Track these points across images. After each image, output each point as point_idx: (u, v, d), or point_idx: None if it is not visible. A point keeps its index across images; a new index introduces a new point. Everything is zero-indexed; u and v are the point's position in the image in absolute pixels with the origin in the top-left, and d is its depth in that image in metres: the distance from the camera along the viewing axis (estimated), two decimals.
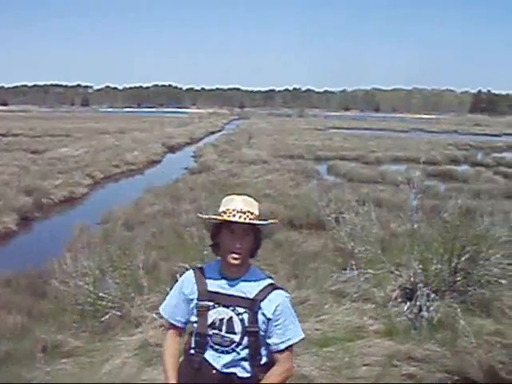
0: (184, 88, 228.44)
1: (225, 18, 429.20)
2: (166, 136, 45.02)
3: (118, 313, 7.42)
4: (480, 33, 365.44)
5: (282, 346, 3.09)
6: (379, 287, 8.37)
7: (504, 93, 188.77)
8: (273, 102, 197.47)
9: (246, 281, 3.10)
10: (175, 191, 17.88)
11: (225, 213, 3.05)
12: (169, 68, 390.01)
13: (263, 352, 3.12)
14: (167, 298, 3.31)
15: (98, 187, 22.41)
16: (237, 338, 3.06)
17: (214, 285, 3.11)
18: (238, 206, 3.05)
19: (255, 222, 3.05)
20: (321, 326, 7.23)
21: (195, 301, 3.12)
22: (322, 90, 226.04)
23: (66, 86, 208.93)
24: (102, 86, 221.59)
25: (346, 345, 6.76)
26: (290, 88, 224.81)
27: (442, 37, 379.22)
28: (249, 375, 3.09)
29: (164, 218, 13.87)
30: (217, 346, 3.08)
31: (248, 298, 3.06)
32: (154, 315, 7.05)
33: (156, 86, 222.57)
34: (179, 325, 3.24)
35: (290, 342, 3.10)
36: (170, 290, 3.33)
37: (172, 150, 38.81)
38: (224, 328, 3.06)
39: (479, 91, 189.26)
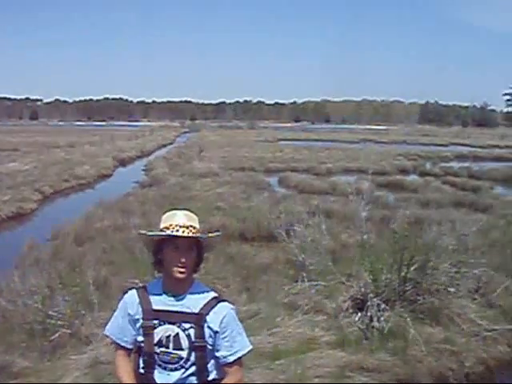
0: (135, 101, 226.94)
1: (174, 30, 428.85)
2: (116, 149, 44.56)
3: (68, 331, 7.30)
4: (426, 45, 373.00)
5: (231, 359, 3.09)
6: (330, 298, 8.43)
7: (451, 103, 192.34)
8: (224, 115, 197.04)
9: (190, 296, 3.10)
10: (126, 205, 17.68)
11: (167, 228, 3.03)
12: (119, 81, 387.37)
13: (211, 368, 3.11)
14: (112, 318, 3.27)
15: (47, 202, 22.05)
16: (184, 353, 3.04)
17: (158, 302, 3.09)
18: (181, 221, 3.05)
19: (200, 235, 3.06)
20: (273, 338, 7.23)
21: (141, 320, 3.10)
22: (272, 101, 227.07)
23: (14, 100, 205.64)
24: (52, 99, 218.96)
25: (298, 357, 6.77)
26: (241, 100, 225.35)
27: (388, 48, 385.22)
28: None
29: (115, 232, 13.71)
30: (165, 364, 3.06)
31: (193, 313, 3.05)
32: (105, 331, 6.95)
33: (107, 99, 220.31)
34: (127, 346, 3.20)
35: (239, 354, 3.11)
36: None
37: (123, 163, 38.43)
38: (171, 345, 3.05)
39: (427, 102, 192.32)
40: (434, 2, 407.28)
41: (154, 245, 3.12)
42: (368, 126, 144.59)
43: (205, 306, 3.07)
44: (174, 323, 3.05)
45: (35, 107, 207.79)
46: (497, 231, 13.62)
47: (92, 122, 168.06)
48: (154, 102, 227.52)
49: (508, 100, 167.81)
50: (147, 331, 3.08)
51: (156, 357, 3.07)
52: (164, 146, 59.01)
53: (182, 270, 3.02)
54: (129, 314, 3.15)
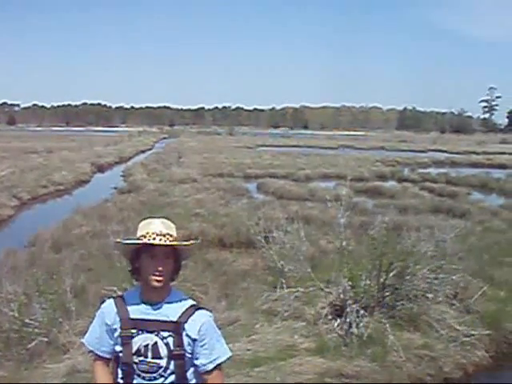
0: (113, 106, 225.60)
1: (153, 36, 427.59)
2: (94, 155, 44.33)
3: (45, 339, 7.23)
4: (404, 51, 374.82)
5: (211, 366, 3.07)
6: (309, 305, 8.44)
7: (428, 110, 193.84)
8: (203, 120, 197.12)
9: (168, 304, 3.08)
10: (104, 212, 17.59)
11: (144, 236, 3.02)
12: (98, 86, 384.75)
13: (190, 376, 3.10)
14: (90, 328, 3.24)
15: (24, 208, 21.90)
16: (163, 362, 3.02)
17: (136, 312, 3.07)
18: (158, 229, 3.03)
19: (177, 243, 3.05)
20: (252, 345, 7.22)
21: (118, 330, 3.07)
22: (251, 107, 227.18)
23: None
24: (30, 104, 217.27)
25: (277, 364, 6.77)
26: (220, 106, 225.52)
27: (367, 55, 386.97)
28: None
29: (93, 239, 13.64)
30: (144, 374, 3.03)
31: (171, 321, 3.03)
32: (83, 340, 6.89)
33: (85, 104, 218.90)
34: (106, 355, 3.18)
35: (218, 361, 3.09)
36: None
37: (101, 169, 38.26)
38: (149, 354, 3.02)
39: (405, 108, 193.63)
40: (412, 8, 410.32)
41: (131, 253, 3.10)
42: (346, 132, 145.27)
43: (183, 314, 3.05)
44: (152, 332, 3.03)
45: (12, 112, 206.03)
46: (474, 237, 13.73)
47: (70, 128, 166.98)
48: (132, 107, 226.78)
49: (485, 107, 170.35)
50: (125, 341, 3.05)
51: (135, 366, 3.04)
52: (143, 151, 58.81)
53: (159, 278, 3.00)
54: (106, 324, 3.12)
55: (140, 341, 3.03)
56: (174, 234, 3.09)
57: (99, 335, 3.16)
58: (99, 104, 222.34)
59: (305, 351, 7.25)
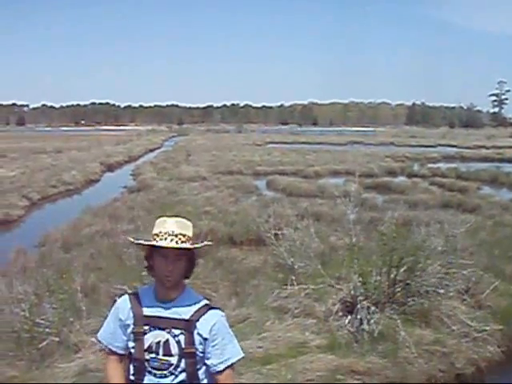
0: (122, 106, 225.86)
1: (160, 34, 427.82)
2: (104, 155, 44.42)
3: (56, 339, 7.23)
4: (412, 46, 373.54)
5: (222, 367, 3.06)
6: (320, 302, 8.41)
7: (437, 105, 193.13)
8: (211, 118, 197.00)
9: (181, 302, 3.08)
10: (114, 211, 17.61)
11: (157, 235, 3.01)
12: (106, 86, 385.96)
13: (202, 375, 3.09)
14: (104, 324, 3.26)
15: (34, 209, 21.97)
16: (174, 360, 3.02)
17: (149, 308, 3.08)
18: (170, 229, 3.02)
19: (185, 246, 3.02)
20: (263, 343, 7.20)
21: (131, 326, 3.09)
22: (259, 105, 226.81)
23: (0, 105, 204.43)
24: (39, 104, 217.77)
25: (288, 361, 6.75)
26: (228, 104, 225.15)
27: (375, 50, 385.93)
28: None
29: (102, 238, 13.64)
30: (155, 371, 3.03)
31: (184, 320, 3.03)
32: (94, 339, 6.89)
33: (93, 103, 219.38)
34: (119, 351, 3.19)
35: (229, 362, 3.08)
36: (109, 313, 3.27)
37: (110, 168, 38.36)
38: (161, 351, 3.02)
39: (413, 104, 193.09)
40: (420, 3, 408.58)
41: (146, 251, 3.11)
42: (355, 128, 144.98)
43: (195, 312, 3.05)
44: (163, 329, 3.03)
45: (22, 113, 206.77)
46: (485, 232, 13.68)
47: (79, 128, 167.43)
48: (141, 106, 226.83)
49: (494, 101, 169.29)
50: (137, 337, 3.06)
51: (146, 363, 3.04)
52: (152, 150, 58.85)
53: (169, 278, 3.01)
54: (120, 320, 3.13)
55: (152, 337, 3.04)
56: (189, 233, 3.06)
57: (113, 330, 3.18)
58: (108, 103, 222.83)
59: (316, 348, 7.23)
